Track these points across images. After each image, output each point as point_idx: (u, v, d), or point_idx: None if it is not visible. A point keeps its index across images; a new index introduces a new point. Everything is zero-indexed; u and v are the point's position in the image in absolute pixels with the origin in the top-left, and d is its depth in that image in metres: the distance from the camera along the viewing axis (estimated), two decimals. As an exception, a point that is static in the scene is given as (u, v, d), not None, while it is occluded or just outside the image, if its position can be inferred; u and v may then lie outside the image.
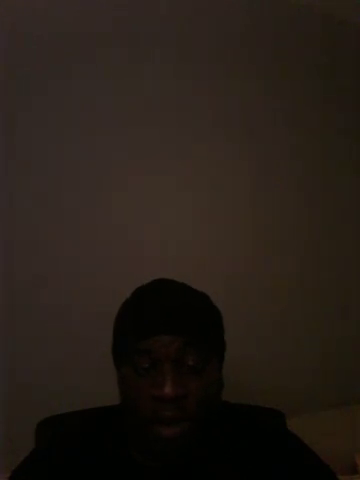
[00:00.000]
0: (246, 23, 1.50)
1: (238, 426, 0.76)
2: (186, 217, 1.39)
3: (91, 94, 1.31)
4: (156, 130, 1.37)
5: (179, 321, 0.68)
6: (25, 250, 1.23)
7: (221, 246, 1.42)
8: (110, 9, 1.33)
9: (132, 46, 1.36)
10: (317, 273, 1.53)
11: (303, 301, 1.50)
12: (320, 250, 1.54)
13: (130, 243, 1.31)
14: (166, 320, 0.68)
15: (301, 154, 1.55)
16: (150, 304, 0.71)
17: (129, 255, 1.30)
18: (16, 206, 1.24)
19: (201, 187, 1.41)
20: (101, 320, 1.24)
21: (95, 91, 1.32)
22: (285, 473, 0.70)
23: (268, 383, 1.39)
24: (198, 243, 1.39)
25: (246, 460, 0.71)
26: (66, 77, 1.29)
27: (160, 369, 0.66)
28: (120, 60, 1.34)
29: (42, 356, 1.22)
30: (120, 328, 0.74)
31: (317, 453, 0.75)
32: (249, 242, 1.45)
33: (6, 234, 1.22)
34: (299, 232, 1.52)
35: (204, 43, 1.44)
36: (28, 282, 1.23)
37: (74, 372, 1.22)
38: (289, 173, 1.53)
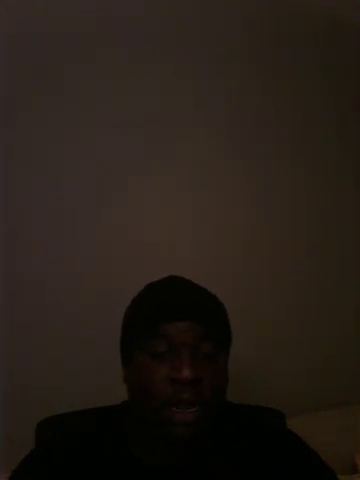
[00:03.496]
0: (246, 23, 1.50)
1: (239, 426, 0.76)
2: (186, 217, 1.39)
3: (91, 94, 1.31)
4: (156, 130, 1.37)
5: (199, 310, 0.71)
6: (25, 250, 1.23)
7: (221, 246, 1.42)
8: (110, 9, 1.33)
9: (132, 46, 1.36)
10: (317, 273, 1.53)
11: (303, 301, 1.50)
12: (321, 250, 1.54)
13: (130, 243, 1.31)
14: (187, 307, 0.70)
15: (301, 154, 1.55)
16: (169, 293, 0.74)
17: (129, 255, 1.30)
18: (16, 206, 1.24)
19: (201, 187, 1.41)
20: (101, 320, 1.24)
21: (95, 91, 1.32)
22: (286, 472, 0.70)
23: (268, 383, 1.39)
24: (198, 243, 1.39)
25: (247, 460, 0.71)
26: (66, 77, 1.29)
27: (178, 354, 0.67)
28: (120, 60, 1.34)
29: (42, 356, 1.22)
30: (136, 316, 0.74)
31: (317, 453, 0.75)
32: (249, 242, 1.45)
33: (6, 234, 1.22)
34: (299, 232, 1.52)
35: (204, 43, 1.44)
36: (28, 282, 1.23)
37: (74, 372, 1.22)
38: (289, 173, 1.53)
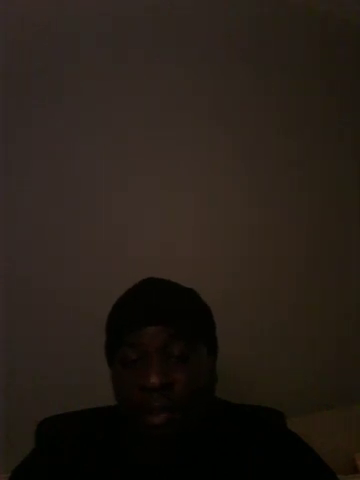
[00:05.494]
0: (246, 23, 1.50)
1: (238, 425, 0.76)
2: (186, 217, 1.39)
3: (91, 94, 1.31)
4: (156, 130, 1.37)
5: (163, 312, 0.70)
6: (25, 250, 1.23)
7: (221, 246, 1.41)
8: (110, 10, 1.33)
9: (132, 47, 1.36)
10: (317, 273, 1.53)
11: (303, 301, 1.50)
12: (321, 250, 1.54)
13: (130, 243, 1.31)
14: (151, 312, 0.70)
15: (301, 154, 1.55)
16: (136, 299, 0.73)
17: (129, 255, 1.30)
18: (16, 206, 1.24)
19: (201, 187, 1.41)
20: (101, 320, 1.24)
21: (95, 91, 1.32)
22: (285, 472, 0.70)
23: (268, 383, 1.39)
24: (198, 244, 1.39)
25: (246, 459, 0.71)
26: (66, 77, 1.29)
27: (146, 360, 0.67)
28: (120, 60, 1.34)
29: (42, 356, 1.22)
30: (110, 325, 0.76)
31: (317, 453, 0.75)
32: (249, 242, 1.45)
33: (6, 234, 1.22)
34: (299, 232, 1.52)
35: (204, 44, 1.44)
36: (28, 282, 1.23)
37: (74, 372, 1.22)
38: (289, 173, 1.52)
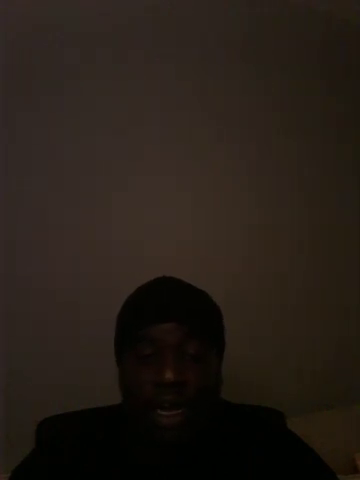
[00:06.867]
0: (246, 23, 1.50)
1: (238, 425, 0.76)
2: (186, 217, 1.39)
3: (91, 94, 1.31)
4: (156, 130, 1.37)
5: (183, 310, 0.70)
6: (24, 250, 1.23)
7: (221, 246, 1.42)
8: (110, 9, 1.33)
9: (132, 47, 1.36)
10: (317, 273, 1.53)
11: (303, 301, 1.50)
12: (321, 250, 1.54)
13: (130, 243, 1.31)
14: (170, 309, 0.70)
15: (301, 154, 1.55)
16: (152, 296, 0.73)
17: (129, 255, 1.30)
18: (16, 206, 1.24)
19: (201, 187, 1.41)
20: (101, 320, 1.24)
21: (95, 91, 1.32)
22: (285, 472, 0.70)
23: (268, 383, 1.39)
24: (198, 243, 1.39)
25: (246, 459, 0.71)
26: (66, 77, 1.29)
27: (161, 356, 0.67)
28: (120, 60, 1.34)
29: (42, 356, 1.22)
30: (123, 319, 0.75)
31: (316, 453, 0.76)
32: (249, 242, 1.45)
33: (6, 234, 1.22)
34: (300, 232, 1.52)
35: (204, 43, 1.44)
36: (28, 282, 1.23)
37: (74, 372, 1.22)
38: (289, 173, 1.53)
